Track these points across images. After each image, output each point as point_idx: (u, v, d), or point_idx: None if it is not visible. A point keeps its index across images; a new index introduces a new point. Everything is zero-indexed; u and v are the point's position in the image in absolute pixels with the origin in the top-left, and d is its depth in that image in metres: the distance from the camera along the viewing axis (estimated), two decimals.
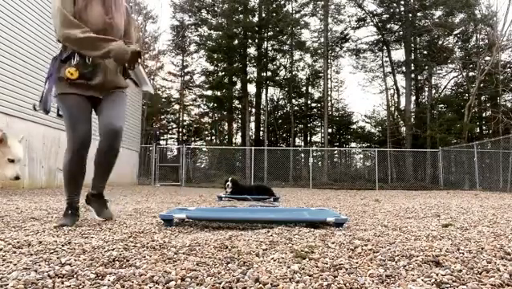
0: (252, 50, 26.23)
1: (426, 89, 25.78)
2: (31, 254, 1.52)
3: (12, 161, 2.68)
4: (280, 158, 18.87)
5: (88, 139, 2.50)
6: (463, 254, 1.61)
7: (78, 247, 1.66)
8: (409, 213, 3.80)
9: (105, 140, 2.53)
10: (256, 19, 25.61)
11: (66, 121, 2.48)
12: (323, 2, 25.12)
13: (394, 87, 26.07)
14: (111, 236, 2.00)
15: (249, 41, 25.57)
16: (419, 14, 24.39)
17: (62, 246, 1.70)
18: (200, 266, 1.37)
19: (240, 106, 27.13)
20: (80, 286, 1.13)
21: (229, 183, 6.29)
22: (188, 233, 2.21)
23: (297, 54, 27.27)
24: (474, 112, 22.41)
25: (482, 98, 23.31)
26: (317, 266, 1.38)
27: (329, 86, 27.64)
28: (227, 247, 1.71)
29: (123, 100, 2.70)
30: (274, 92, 28.00)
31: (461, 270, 1.33)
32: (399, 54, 27.38)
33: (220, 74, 26.27)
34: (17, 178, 2.70)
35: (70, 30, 2.34)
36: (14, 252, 1.56)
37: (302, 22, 26.04)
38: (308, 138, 29.10)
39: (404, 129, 24.61)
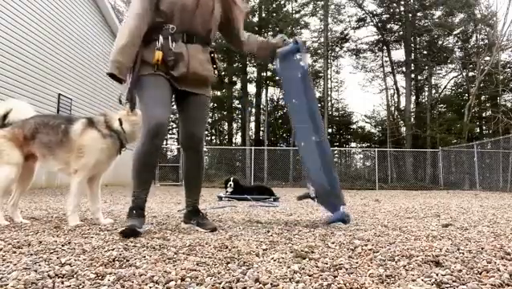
0: None
1: (426, 89, 25.79)
2: (31, 254, 1.52)
3: None
4: (280, 158, 18.86)
5: (164, 126, 2.25)
6: (463, 254, 1.61)
7: (78, 247, 1.66)
8: (409, 213, 3.80)
9: (187, 148, 2.43)
10: (256, 19, 25.61)
11: (143, 102, 2.26)
12: (322, 2, 25.12)
13: (394, 87, 26.10)
14: (111, 236, 2.00)
15: None
16: (419, 14, 24.41)
17: (62, 246, 1.70)
18: (200, 266, 1.37)
19: (240, 106, 27.13)
20: (80, 286, 1.13)
21: (231, 183, 6.27)
22: (188, 233, 2.21)
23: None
24: (474, 112, 22.42)
25: (482, 98, 23.32)
26: (317, 266, 1.38)
27: (329, 86, 27.65)
28: (227, 247, 1.71)
29: (207, 106, 2.50)
30: (274, 92, 28.00)
31: (461, 270, 1.33)
32: (399, 54, 27.45)
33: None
34: None
35: None
36: (14, 252, 1.56)
37: (302, 22, 26.05)
38: None
39: (404, 129, 24.62)
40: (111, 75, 2.20)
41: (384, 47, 26.16)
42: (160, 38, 2.24)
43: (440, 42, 24.23)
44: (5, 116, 2.58)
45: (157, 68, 2.22)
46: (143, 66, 2.24)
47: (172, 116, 28.83)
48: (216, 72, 2.49)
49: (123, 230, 1.98)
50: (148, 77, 2.24)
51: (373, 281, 1.21)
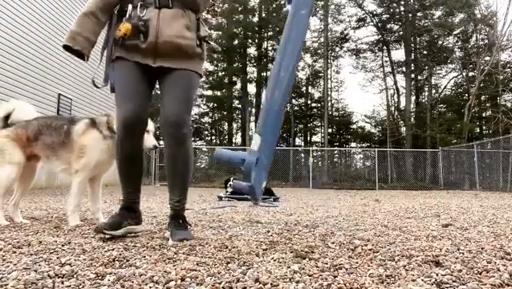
0: (252, 50, 26.29)
1: (426, 89, 25.80)
2: (31, 254, 1.52)
3: (147, 132, 2.53)
4: (280, 158, 18.86)
5: (134, 120, 1.96)
6: (463, 254, 1.61)
7: (78, 247, 1.66)
8: (409, 213, 3.80)
9: (164, 134, 1.99)
10: (256, 19, 25.64)
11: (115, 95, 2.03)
12: (322, 2, 25.13)
13: (394, 87, 26.09)
14: (111, 236, 2.00)
15: (249, 41, 25.59)
16: (419, 14, 24.41)
17: (62, 246, 1.70)
18: (200, 266, 1.37)
19: (240, 106, 27.15)
20: (80, 286, 1.13)
21: (231, 183, 6.27)
22: None
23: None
24: (474, 112, 22.42)
25: (482, 98, 23.32)
26: (317, 266, 1.38)
27: (329, 86, 27.65)
28: (227, 247, 1.71)
29: (189, 82, 2.02)
30: None
31: (461, 270, 1.33)
32: (399, 54, 27.40)
33: (220, 74, 26.30)
34: (155, 147, 2.61)
35: None
36: (14, 252, 1.56)
37: None
38: (308, 138, 29.12)
39: (404, 129, 24.62)
40: (67, 48, 1.99)
41: (384, 47, 26.16)
42: (130, 7, 1.95)
43: (440, 42, 24.23)
44: (7, 117, 2.59)
45: (121, 44, 1.94)
46: (115, 46, 2.00)
47: None
48: (199, 42, 2.02)
49: (96, 227, 1.86)
50: (117, 64, 2.00)
51: (373, 281, 1.21)
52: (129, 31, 1.89)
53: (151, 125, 2.57)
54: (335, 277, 1.24)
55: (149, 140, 2.57)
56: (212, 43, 2.13)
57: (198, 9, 2.03)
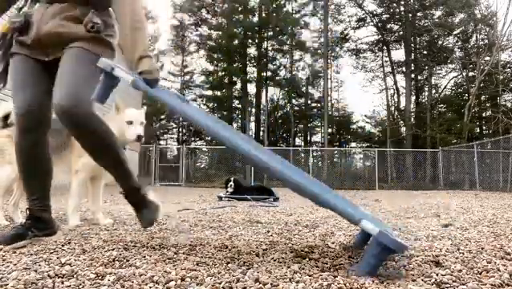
0: (252, 50, 26.31)
1: (426, 89, 25.80)
2: (31, 254, 1.52)
3: (131, 123, 2.48)
4: None
5: (30, 114, 1.78)
6: (463, 254, 1.61)
7: (78, 247, 1.66)
8: (409, 213, 3.80)
9: (66, 126, 1.77)
10: (256, 19, 25.64)
11: None
12: (322, 2, 25.14)
13: (394, 87, 26.11)
14: (111, 236, 2.00)
15: (249, 41, 25.61)
16: (419, 14, 24.43)
17: (62, 246, 1.70)
18: (200, 266, 1.37)
19: (240, 106, 27.16)
20: (80, 286, 1.13)
21: (231, 183, 6.27)
22: (188, 233, 2.21)
23: (297, 55, 27.33)
24: (474, 112, 22.43)
25: (482, 98, 23.33)
26: (317, 266, 1.38)
27: (329, 86, 27.66)
28: (227, 247, 1.71)
29: (76, 55, 1.78)
30: (274, 92, 28.05)
31: (461, 270, 1.33)
32: (399, 54, 27.41)
33: (220, 74, 26.30)
34: (139, 137, 2.48)
35: None
36: (14, 252, 1.56)
37: (302, 22, 26.09)
38: (308, 138, 29.13)
39: (404, 129, 24.63)
40: None
41: (384, 47, 26.17)
42: (23, 1, 1.90)
43: (440, 42, 24.25)
44: (6, 117, 2.59)
45: (15, 40, 1.84)
46: (9, 42, 1.88)
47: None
48: (90, 27, 1.80)
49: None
50: (11, 60, 1.86)
51: (373, 281, 1.21)
52: (7, 28, 1.80)
53: (133, 115, 2.50)
54: (335, 277, 1.24)
55: (131, 131, 2.46)
56: (101, 31, 1.85)
57: (89, 2, 1.84)
